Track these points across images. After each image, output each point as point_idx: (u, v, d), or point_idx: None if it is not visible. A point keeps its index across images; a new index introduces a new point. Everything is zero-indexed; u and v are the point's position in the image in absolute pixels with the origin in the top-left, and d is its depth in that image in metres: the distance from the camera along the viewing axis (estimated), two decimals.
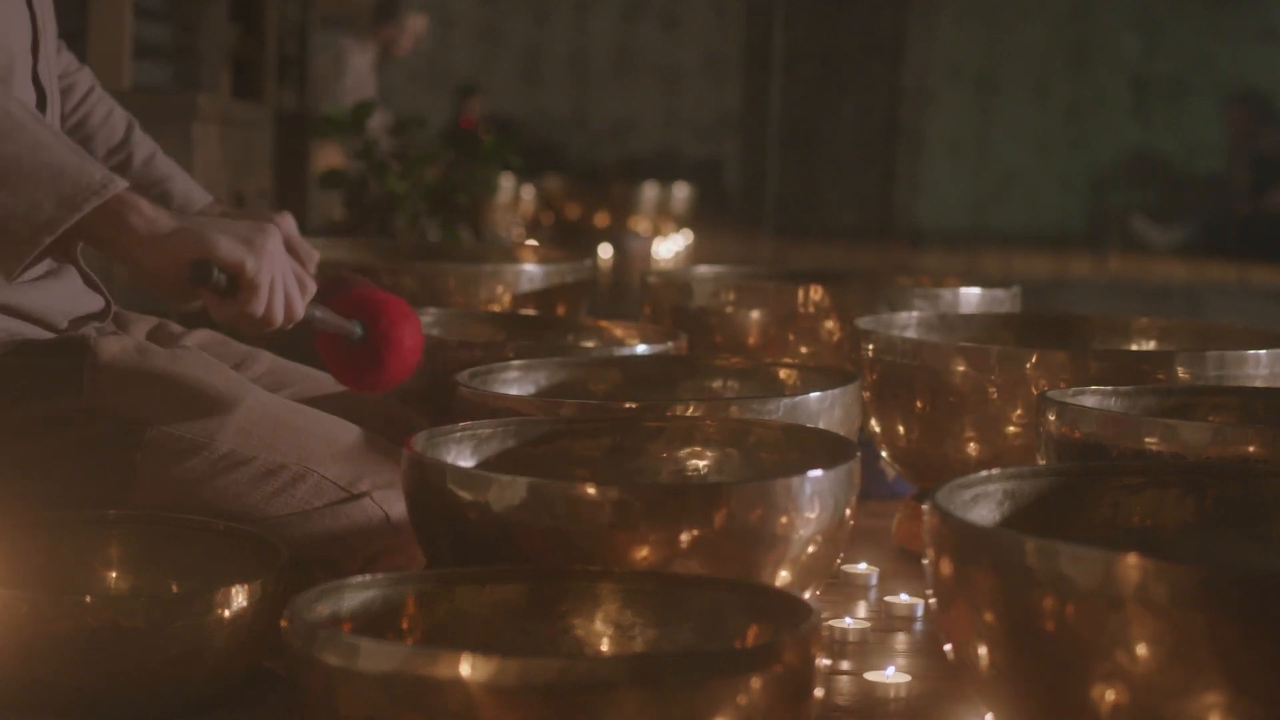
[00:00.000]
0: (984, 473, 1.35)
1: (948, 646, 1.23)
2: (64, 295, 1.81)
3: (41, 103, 1.79)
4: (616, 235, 7.29)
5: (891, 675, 1.60)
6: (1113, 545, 1.13)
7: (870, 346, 2.10)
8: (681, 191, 7.60)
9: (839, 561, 1.55)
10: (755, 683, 1.09)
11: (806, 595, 1.46)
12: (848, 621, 1.78)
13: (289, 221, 1.84)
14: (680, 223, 7.63)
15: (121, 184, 1.57)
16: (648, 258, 6.98)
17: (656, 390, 1.97)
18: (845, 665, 1.68)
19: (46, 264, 1.81)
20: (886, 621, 1.85)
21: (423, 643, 1.27)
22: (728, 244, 8.46)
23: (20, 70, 1.75)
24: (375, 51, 7.25)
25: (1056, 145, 10.82)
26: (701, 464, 1.67)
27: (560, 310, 2.52)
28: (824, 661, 1.17)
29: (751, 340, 2.47)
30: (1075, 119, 10.80)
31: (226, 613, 1.41)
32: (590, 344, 2.28)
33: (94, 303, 1.86)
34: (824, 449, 1.58)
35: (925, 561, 1.23)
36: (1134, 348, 2.30)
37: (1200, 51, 10.56)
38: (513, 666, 1.05)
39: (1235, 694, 1.05)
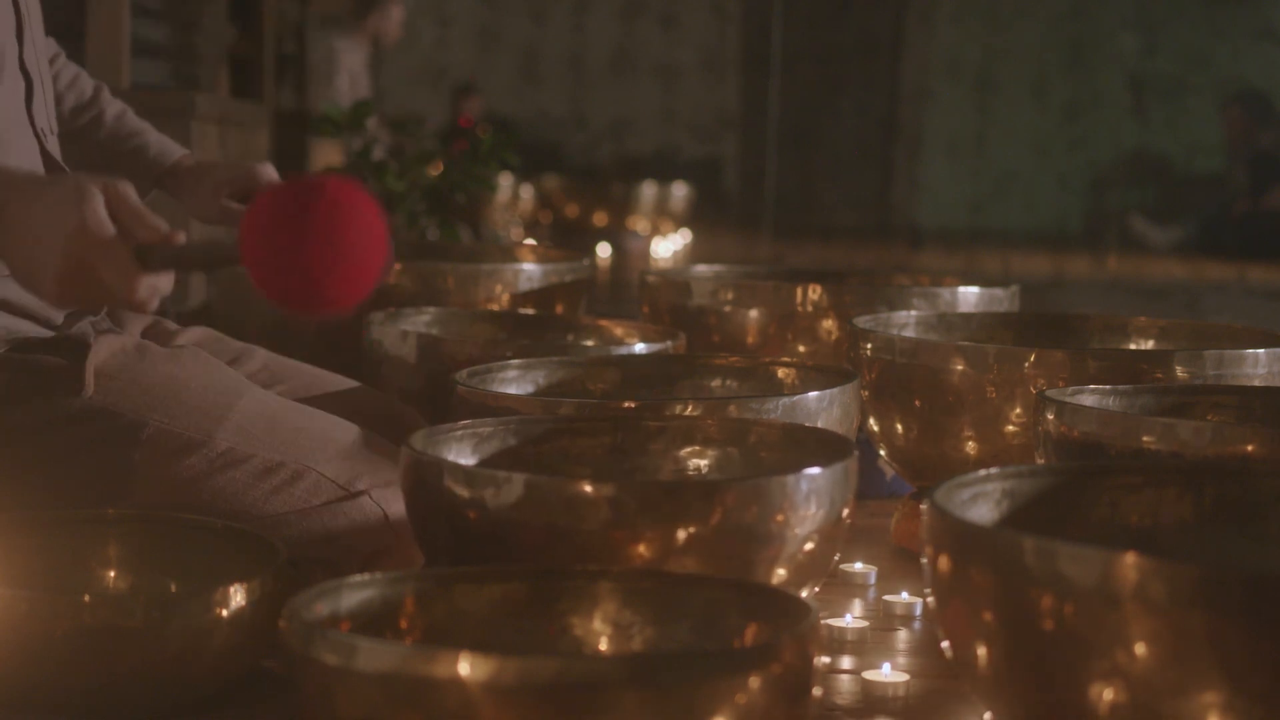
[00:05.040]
0: (982, 472, 1.35)
1: (946, 645, 1.23)
2: None
3: (29, 90, 1.78)
4: (615, 234, 7.28)
5: (889, 674, 1.60)
6: (1111, 544, 1.13)
7: (869, 345, 2.10)
8: (680, 191, 7.59)
9: (837, 560, 1.55)
10: (754, 682, 1.09)
11: (804, 594, 1.46)
12: (846, 620, 1.78)
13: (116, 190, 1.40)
14: (679, 222, 7.63)
15: None
16: (646, 257, 6.97)
17: (655, 389, 1.97)
18: (844, 664, 1.68)
19: None
20: (885, 620, 1.85)
21: (421, 642, 1.27)
22: (726, 243, 8.45)
23: (8, 58, 1.73)
24: (366, 48, 7.25)
25: (1055, 144, 10.81)
26: (700, 462, 1.67)
27: (559, 309, 2.52)
28: (822, 660, 1.17)
29: (750, 339, 2.47)
30: (1073, 118, 10.80)
31: (225, 612, 1.41)
32: (589, 343, 2.28)
33: None
34: (822, 448, 1.58)
35: (923, 560, 1.23)
36: (1132, 347, 2.30)
37: (1198, 51, 10.56)
38: (511, 666, 1.05)
39: (1233, 693, 1.05)
